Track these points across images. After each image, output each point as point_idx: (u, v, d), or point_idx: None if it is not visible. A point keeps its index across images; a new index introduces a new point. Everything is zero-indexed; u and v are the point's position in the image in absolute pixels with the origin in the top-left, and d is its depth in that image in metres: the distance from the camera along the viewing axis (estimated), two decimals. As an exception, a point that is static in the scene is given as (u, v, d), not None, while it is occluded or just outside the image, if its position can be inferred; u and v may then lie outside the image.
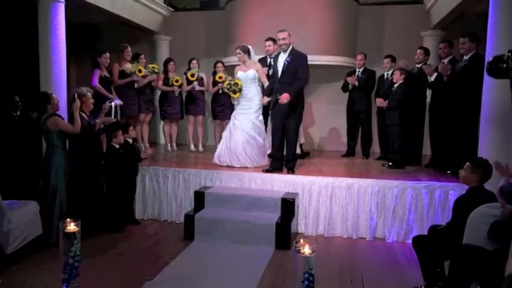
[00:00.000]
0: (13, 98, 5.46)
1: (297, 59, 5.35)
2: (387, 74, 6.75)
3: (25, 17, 6.52)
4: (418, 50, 6.37)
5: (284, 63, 5.38)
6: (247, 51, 5.96)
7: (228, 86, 6.02)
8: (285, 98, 5.24)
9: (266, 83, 5.87)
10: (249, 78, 5.92)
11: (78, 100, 4.66)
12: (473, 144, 4.79)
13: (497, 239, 2.91)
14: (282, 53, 5.47)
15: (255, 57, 6.22)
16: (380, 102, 6.35)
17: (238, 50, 5.96)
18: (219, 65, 7.22)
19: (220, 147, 6.02)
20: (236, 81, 5.96)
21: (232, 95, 6.01)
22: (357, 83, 6.97)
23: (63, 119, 4.74)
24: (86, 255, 3.60)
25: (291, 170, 5.55)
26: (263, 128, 6.03)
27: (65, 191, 4.73)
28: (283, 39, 5.39)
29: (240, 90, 5.92)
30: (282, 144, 5.58)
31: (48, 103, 4.64)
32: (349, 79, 7.05)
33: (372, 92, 7.12)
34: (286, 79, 5.38)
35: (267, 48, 6.41)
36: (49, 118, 4.59)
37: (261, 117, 6.00)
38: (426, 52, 6.35)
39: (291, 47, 5.42)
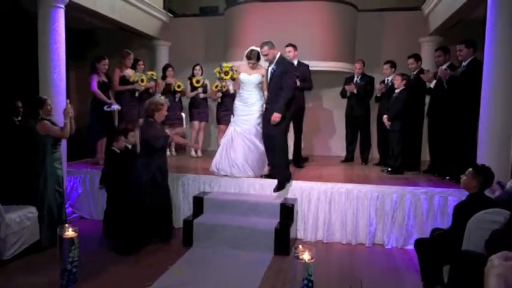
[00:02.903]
0: (15, 103, 5.45)
1: (280, 66, 5.21)
2: (387, 80, 6.76)
3: (25, 22, 6.53)
4: (409, 60, 6.39)
5: (271, 72, 5.33)
6: (258, 57, 5.53)
7: (219, 70, 5.78)
8: (274, 118, 5.08)
9: (265, 91, 5.58)
10: (253, 83, 5.56)
11: (69, 106, 4.68)
12: (472, 150, 4.80)
13: (495, 250, 2.88)
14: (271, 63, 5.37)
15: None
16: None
17: (253, 61, 5.47)
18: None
19: (219, 155, 5.66)
20: (225, 64, 5.81)
21: (225, 77, 5.75)
22: (355, 91, 6.96)
23: (53, 124, 4.74)
24: (84, 260, 3.60)
25: (280, 186, 5.19)
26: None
27: (55, 195, 4.73)
28: (266, 55, 5.27)
29: (232, 70, 5.69)
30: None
31: (40, 108, 4.68)
32: (347, 87, 7.03)
33: (371, 98, 7.13)
34: (272, 87, 5.28)
35: (287, 55, 6.24)
36: (38, 122, 4.62)
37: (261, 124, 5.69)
38: (417, 59, 6.37)
39: (278, 56, 5.27)
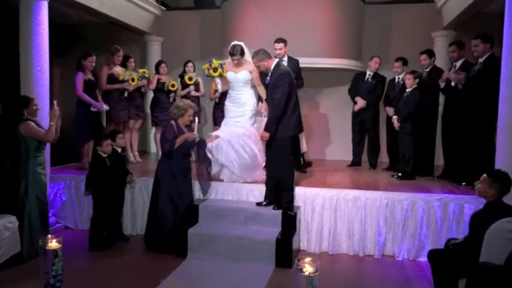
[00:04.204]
0: None
1: (272, 79, 5.00)
2: (398, 78, 6.74)
3: (5, 16, 6.52)
4: (422, 56, 6.36)
5: (266, 84, 5.20)
6: (242, 52, 5.52)
7: (208, 66, 5.76)
8: (261, 135, 5.08)
9: (261, 88, 5.52)
10: (240, 81, 5.56)
11: (56, 108, 4.66)
12: (489, 154, 4.78)
13: None
14: None
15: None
16: (391, 112, 6.31)
17: (237, 57, 5.47)
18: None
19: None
20: (214, 60, 5.78)
21: (213, 73, 5.73)
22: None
23: (37, 125, 4.73)
24: (68, 274, 3.57)
25: (279, 207, 5.05)
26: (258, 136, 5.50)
27: (38, 203, 4.71)
28: (258, 67, 5.17)
29: (222, 66, 5.68)
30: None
31: (25, 107, 4.67)
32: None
33: (381, 99, 7.10)
34: (268, 101, 5.18)
35: (277, 52, 6.10)
36: (22, 122, 4.61)
37: (256, 125, 5.68)
38: (430, 55, 6.34)
39: (273, 66, 5.03)
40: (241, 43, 5.55)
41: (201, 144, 5.30)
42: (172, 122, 5.11)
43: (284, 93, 4.88)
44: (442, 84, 5.96)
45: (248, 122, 5.60)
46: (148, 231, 5.17)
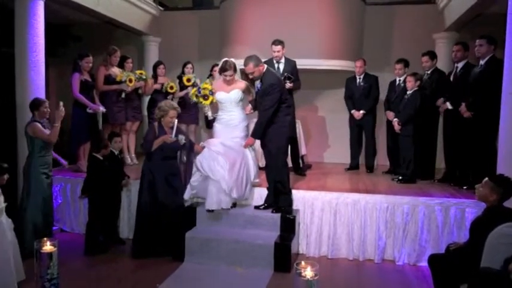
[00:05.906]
0: None
1: (263, 85, 5.01)
2: (399, 80, 6.74)
3: (0, 17, 6.53)
4: (423, 58, 6.35)
5: (256, 91, 5.20)
6: (235, 68, 5.19)
7: (196, 93, 5.36)
8: (247, 142, 5.17)
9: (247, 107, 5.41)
10: (233, 100, 5.22)
11: (62, 109, 4.78)
12: (491, 157, 4.79)
13: None
14: None
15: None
16: (391, 116, 6.35)
17: (230, 72, 5.11)
18: (217, 68, 7.06)
19: (195, 178, 5.22)
20: (204, 85, 5.36)
21: (203, 101, 5.32)
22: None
23: (44, 127, 4.89)
24: (63, 278, 3.57)
25: (277, 211, 5.11)
26: (251, 154, 5.32)
27: (39, 204, 4.75)
28: (252, 73, 5.01)
29: (212, 94, 5.26)
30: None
31: (36, 109, 4.88)
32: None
33: (377, 101, 7.10)
34: (256, 104, 5.21)
35: (275, 54, 6.11)
36: (30, 124, 4.82)
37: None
38: (432, 56, 6.35)
39: (263, 72, 5.03)
40: (232, 59, 5.27)
41: (190, 148, 5.32)
42: (156, 123, 5.17)
43: (274, 103, 4.94)
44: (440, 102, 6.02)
45: (239, 143, 5.22)
46: (134, 235, 5.16)
